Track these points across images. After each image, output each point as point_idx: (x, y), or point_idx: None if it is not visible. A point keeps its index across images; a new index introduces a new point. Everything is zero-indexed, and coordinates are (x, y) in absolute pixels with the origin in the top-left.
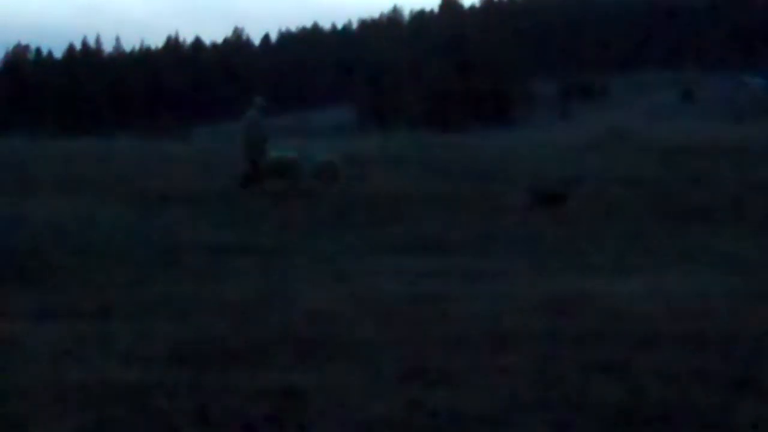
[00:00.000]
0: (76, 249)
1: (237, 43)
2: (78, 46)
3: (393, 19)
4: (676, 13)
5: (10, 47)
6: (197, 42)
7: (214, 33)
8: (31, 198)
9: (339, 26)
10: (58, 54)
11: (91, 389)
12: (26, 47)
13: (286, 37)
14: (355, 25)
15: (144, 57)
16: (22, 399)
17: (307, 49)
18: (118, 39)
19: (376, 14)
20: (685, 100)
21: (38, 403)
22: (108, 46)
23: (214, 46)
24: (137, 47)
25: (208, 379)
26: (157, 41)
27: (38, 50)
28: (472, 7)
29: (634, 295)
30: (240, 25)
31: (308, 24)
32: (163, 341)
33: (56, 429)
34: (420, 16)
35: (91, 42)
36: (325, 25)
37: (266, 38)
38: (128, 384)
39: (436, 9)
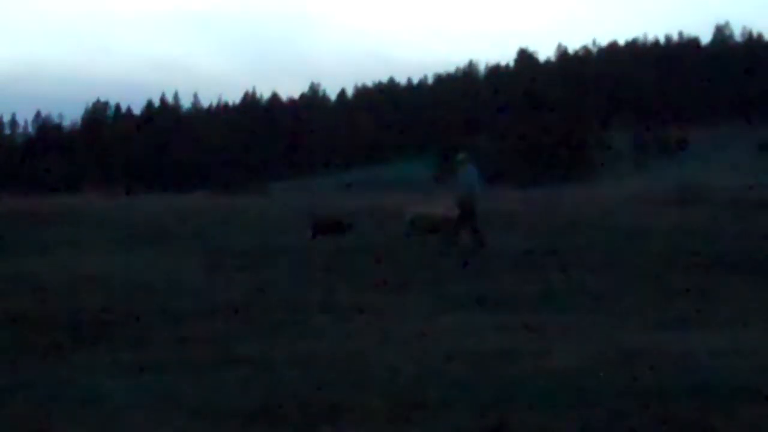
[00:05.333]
0: (155, 305)
1: (313, 98)
2: (156, 102)
3: (469, 73)
4: (754, 66)
5: (90, 104)
6: (274, 97)
7: (291, 89)
8: (111, 253)
9: (415, 81)
10: (137, 110)
11: None
12: (105, 104)
13: (362, 92)
14: (430, 80)
15: (221, 113)
16: None
17: (382, 103)
18: (195, 95)
19: (452, 69)
20: (762, 153)
21: None
22: (186, 102)
23: (291, 101)
24: (215, 103)
25: None
26: (234, 97)
27: (117, 106)
28: (548, 61)
29: (710, 349)
30: (316, 81)
31: (384, 79)
32: (239, 397)
33: None
34: (496, 70)
35: (170, 98)
36: (401, 80)
37: (342, 93)
38: None
39: (511, 63)
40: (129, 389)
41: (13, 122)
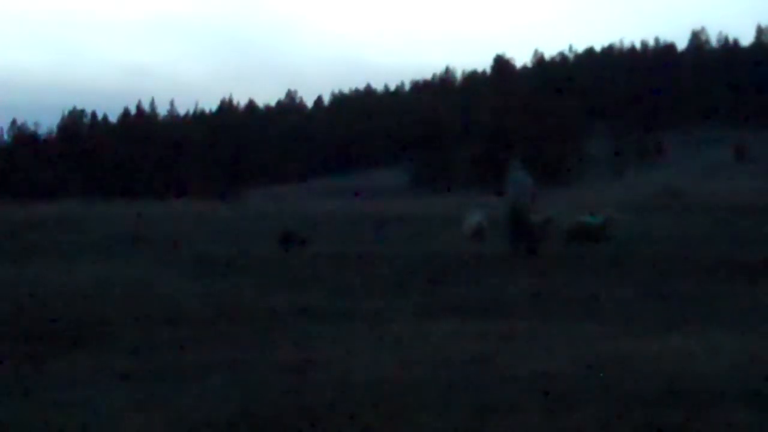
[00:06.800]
0: (134, 312)
1: (290, 104)
2: (133, 110)
3: (445, 80)
4: (728, 71)
5: (66, 111)
6: (251, 104)
7: (268, 95)
8: (88, 260)
9: (392, 87)
10: (113, 118)
11: None
12: (81, 111)
13: (339, 99)
14: (407, 87)
15: (198, 120)
16: None
17: (359, 110)
18: (172, 102)
19: (428, 75)
20: (739, 159)
21: None
22: (162, 110)
23: (268, 108)
24: (191, 110)
25: None
26: (211, 104)
27: (93, 114)
28: (524, 67)
29: (693, 354)
30: (293, 87)
31: (361, 86)
32: (221, 405)
33: None
34: (472, 77)
35: (146, 106)
36: (378, 86)
37: (319, 100)
38: None
39: (488, 69)
40: (106, 397)
41: None
